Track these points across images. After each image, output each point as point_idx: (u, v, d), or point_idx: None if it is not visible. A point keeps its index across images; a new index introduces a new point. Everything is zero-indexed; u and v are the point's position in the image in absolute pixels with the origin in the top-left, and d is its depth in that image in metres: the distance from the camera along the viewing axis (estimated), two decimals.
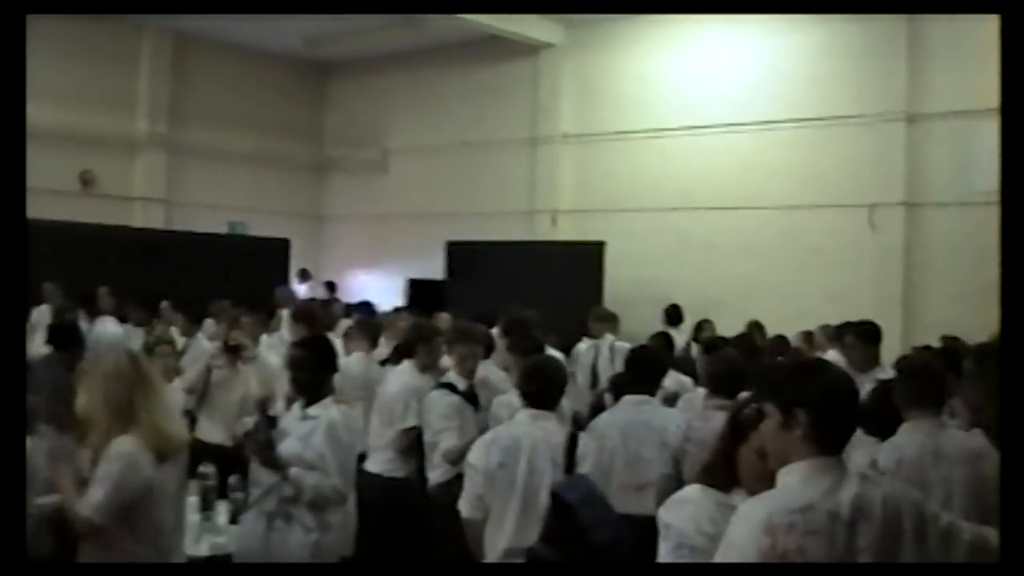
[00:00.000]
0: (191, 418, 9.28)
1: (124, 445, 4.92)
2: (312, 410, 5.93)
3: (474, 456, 5.93)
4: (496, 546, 5.78)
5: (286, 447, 5.83)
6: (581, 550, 5.25)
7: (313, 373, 6.09)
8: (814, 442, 3.40)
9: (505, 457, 5.79)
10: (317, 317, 10.62)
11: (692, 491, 4.10)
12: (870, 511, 3.34)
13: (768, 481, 3.50)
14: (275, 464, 5.77)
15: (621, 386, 7.51)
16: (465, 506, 5.91)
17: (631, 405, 6.85)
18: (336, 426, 5.84)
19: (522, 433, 5.88)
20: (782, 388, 3.52)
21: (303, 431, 5.84)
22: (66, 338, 7.95)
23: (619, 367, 9.96)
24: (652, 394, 7.00)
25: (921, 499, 3.52)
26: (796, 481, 3.40)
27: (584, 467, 5.86)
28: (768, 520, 3.30)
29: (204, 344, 11.35)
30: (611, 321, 13.08)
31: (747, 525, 3.34)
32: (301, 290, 22.04)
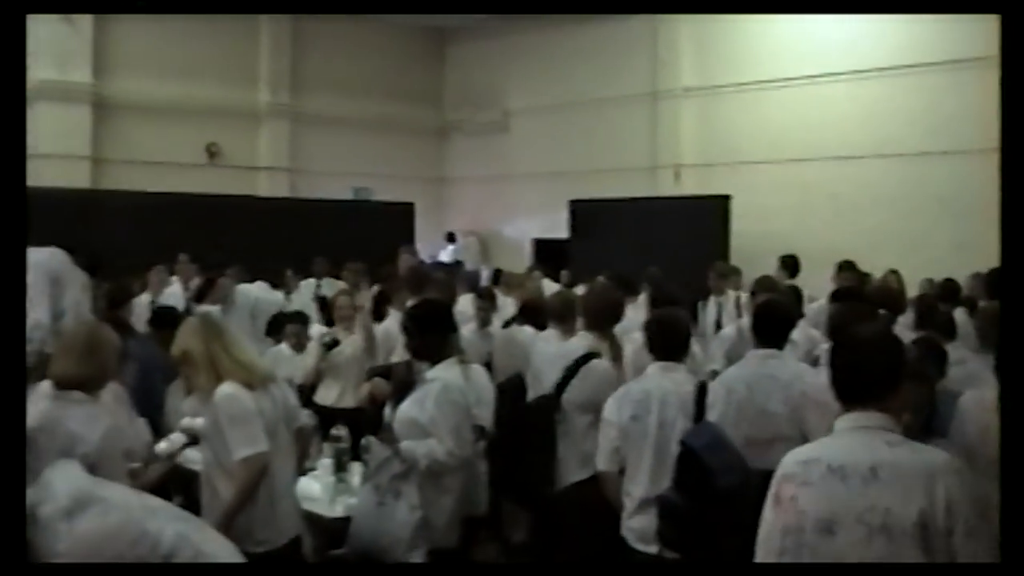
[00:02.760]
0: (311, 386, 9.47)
1: (223, 388, 5.33)
2: (431, 372, 5.96)
3: (608, 411, 6.06)
4: (633, 495, 5.94)
5: (402, 411, 5.88)
6: (708, 495, 5.36)
7: (422, 337, 6.12)
8: None
9: (637, 410, 5.92)
10: (424, 281, 10.69)
11: None
12: (885, 474, 3.31)
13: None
14: (388, 438, 5.85)
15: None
16: (601, 459, 6.11)
17: (757, 359, 6.78)
18: (450, 388, 5.84)
19: (653, 386, 5.99)
20: None
21: (419, 394, 5.88)
22: (165, 320, 8.41)
23: (745, 322, 9.86)
24: (780, 347, 6.92)
25: (956, 470, 3.39)
26: (837, 432, 3.49)
27: (712, 415, 5.99)
28: (782, 468, 3.47)
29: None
30: (734, 276, 12.96)
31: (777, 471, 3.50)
32: (448, 251, 22.26)
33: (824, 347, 7.48)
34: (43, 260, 8.47)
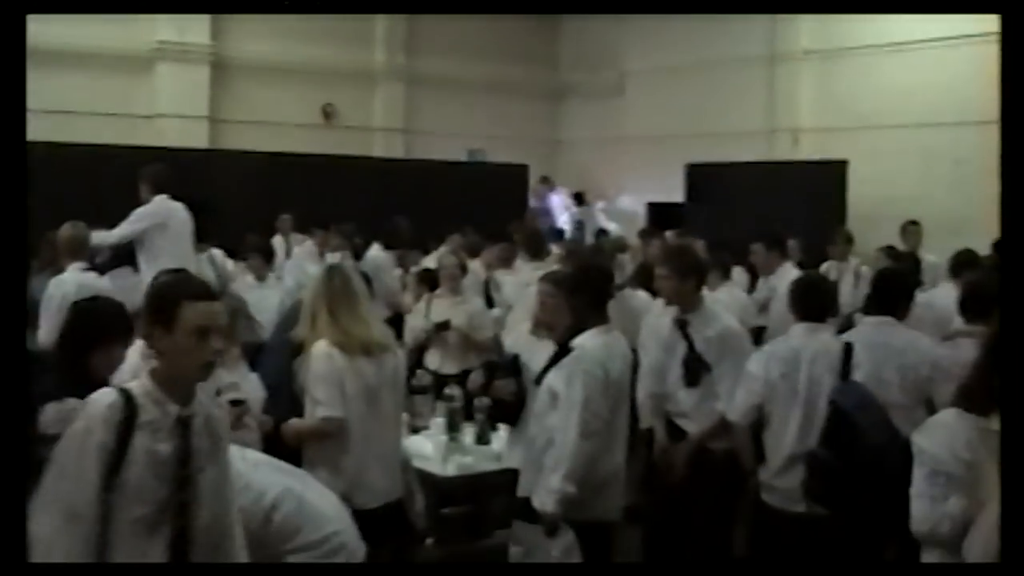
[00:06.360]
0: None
1: (317, 348, 5.48)
2: (576, 340, 5.90)
3: (755, 366, 6.25)
4: (779, 453, 6.12)
5: (547, 379, 5.86)
6: (857, 453, 5.44)
7: (572, 301, 6.08)
8: None
9: (786, 368, 6.10)
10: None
11: (948, 415, 4.07)
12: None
13: None
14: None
15: (867, 308, 7.35)
16: (737, 411, 6.29)
17: (870, 326, 6.72)
18: (583, 359, 5.76)
19: (800, 345, 6.17)
20: None
21: (565, 362, 5.83)
22: None
23: (863, 291, 9.72)
24: (896, 316, 6.78)
25: None
26: None
27: (859, 375, 6.05)
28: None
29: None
30: (852, 243, 12.78)
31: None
32: (575, 214, 22.18)
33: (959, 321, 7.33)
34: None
